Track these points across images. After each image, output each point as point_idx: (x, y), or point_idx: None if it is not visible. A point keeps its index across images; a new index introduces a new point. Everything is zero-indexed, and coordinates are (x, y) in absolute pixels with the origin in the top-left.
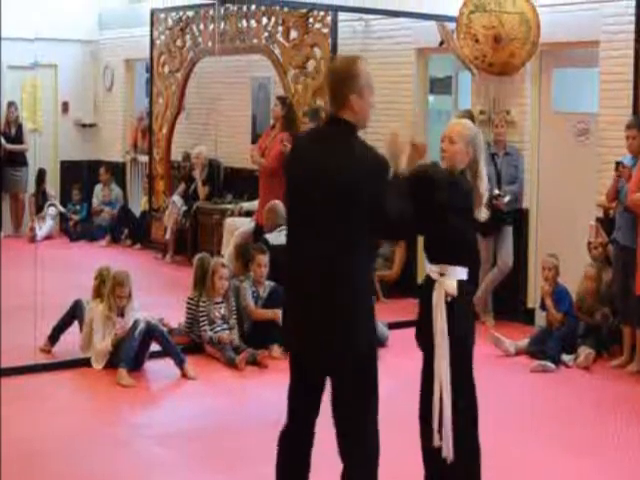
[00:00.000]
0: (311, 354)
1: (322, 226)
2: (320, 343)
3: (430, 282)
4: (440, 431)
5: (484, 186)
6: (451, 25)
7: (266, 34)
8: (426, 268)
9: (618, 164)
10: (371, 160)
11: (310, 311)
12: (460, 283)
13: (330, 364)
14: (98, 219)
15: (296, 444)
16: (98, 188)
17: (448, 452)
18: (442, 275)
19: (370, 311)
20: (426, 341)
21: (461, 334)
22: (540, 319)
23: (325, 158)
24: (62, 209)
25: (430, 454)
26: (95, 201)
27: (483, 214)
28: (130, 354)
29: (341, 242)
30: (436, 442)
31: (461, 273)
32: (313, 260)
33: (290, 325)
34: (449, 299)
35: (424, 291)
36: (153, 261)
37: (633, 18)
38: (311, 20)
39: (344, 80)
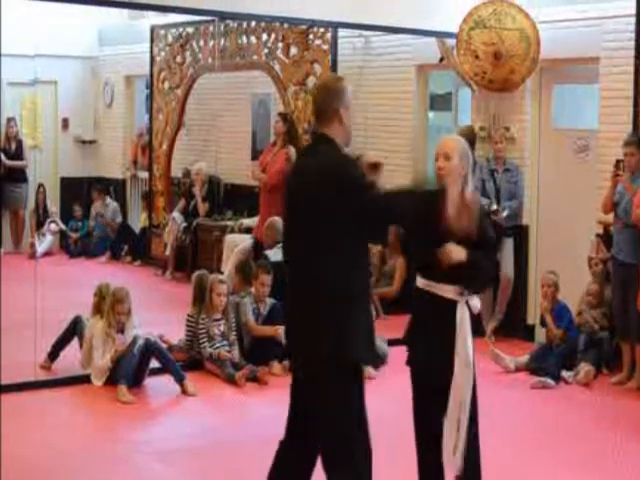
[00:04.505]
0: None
1: (301, 238)
2: (296, 347)
3: (429, 299)
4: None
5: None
6: (451, 41)
7: (266, 50)
8: (419, 282)
9: (618, 162)
10: (328, 169)
11: (293, 320)
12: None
13: (302, 367)
14: (96, 237)
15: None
16: (93, 208)
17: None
18: (462, 295)
19: (345, 319)
20: (434, 364)
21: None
22: (540, 335)
23: (303, 172)
24: (63, 226)
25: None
26: (91, 223)
27: None
28: (129, 371)
29: (316, 253)
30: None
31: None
32: (296, 271)
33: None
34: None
35: (422, 308)
36: (153, 277)
37: (633, 35)
38: (311, 37)
39: (333, 94)
